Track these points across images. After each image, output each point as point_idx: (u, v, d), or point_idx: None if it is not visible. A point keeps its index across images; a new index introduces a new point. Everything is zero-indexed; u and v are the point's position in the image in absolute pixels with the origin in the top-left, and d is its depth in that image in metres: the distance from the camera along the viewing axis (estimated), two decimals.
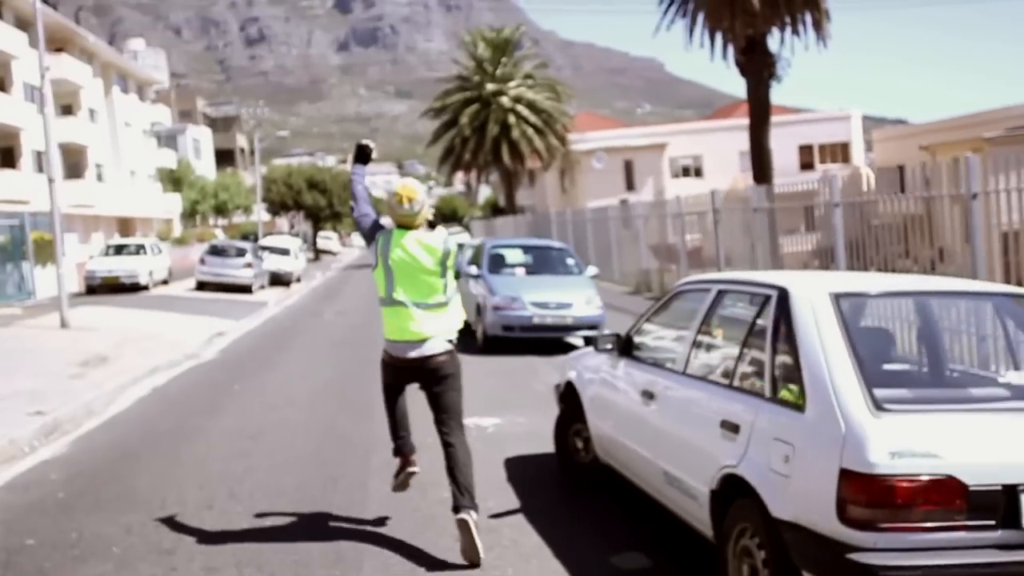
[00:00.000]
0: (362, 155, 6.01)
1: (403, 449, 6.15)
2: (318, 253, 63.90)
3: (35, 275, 26.54)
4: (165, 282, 31.15)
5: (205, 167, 75.06)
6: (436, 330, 5.58)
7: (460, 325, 5.79)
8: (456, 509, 5.33)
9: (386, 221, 5.77)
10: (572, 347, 14.21)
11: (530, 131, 47.41)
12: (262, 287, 30.77)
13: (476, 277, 14.75)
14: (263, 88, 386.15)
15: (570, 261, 15.26)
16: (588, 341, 13.99)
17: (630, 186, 49.92)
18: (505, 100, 47.78)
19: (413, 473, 6.14)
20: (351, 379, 11.94)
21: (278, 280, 32.93)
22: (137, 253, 29.42)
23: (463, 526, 5.25)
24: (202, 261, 29.29)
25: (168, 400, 11.19)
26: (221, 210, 68.58)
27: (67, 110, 50.09)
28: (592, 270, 15.05)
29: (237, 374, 12.91)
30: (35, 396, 11.09)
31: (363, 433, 8.67)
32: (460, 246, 26.70)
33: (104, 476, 7.51)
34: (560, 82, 52.05)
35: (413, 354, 5.61)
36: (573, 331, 13.68)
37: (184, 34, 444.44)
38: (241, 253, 29.28)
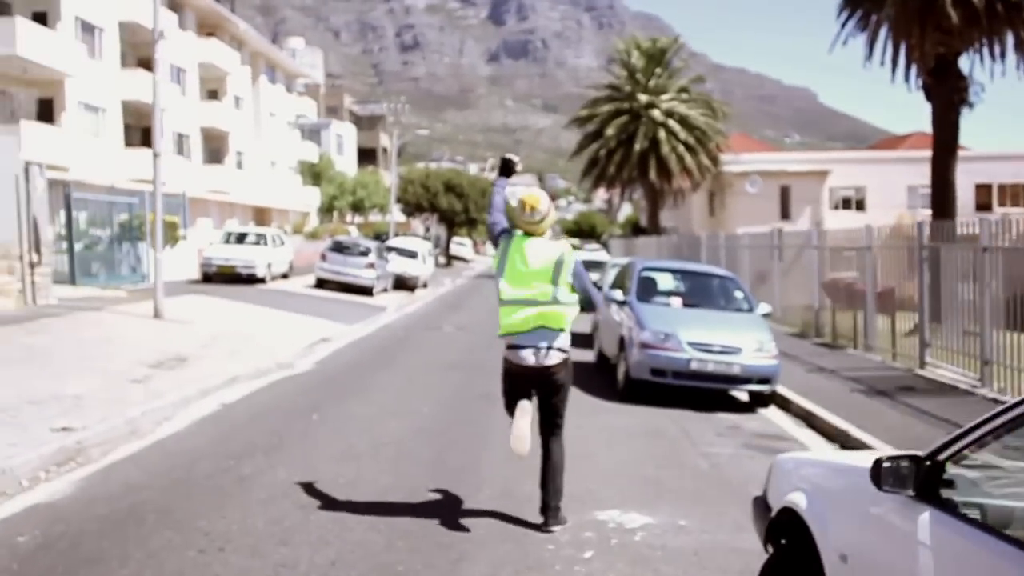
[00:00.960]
0: (506, 168, 6.44)
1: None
2: (450, 259, 62.32)
3: (150, 258, 25.20)
4: (285, 276, 29.63)
5: (346, 164, 74.75)
6: (547, 330, 5.99)
7: (569, 327, 6.13)
8: (545, 523, 5.95)
9: None
10: (731, 401, 11.43)
11: (680, 148, 44.41)
12: (384, 290, 28.90)
13: (621, 304, 12.11)
14: (413, 93, 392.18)
15: (738, 294, 12.43)
16: (755, 399, 11.23)
17: (785, 214, 46.24)
18: (656, 113, 44.95)
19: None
20: (457, 424, 9.48)
21: (403, 284, 31.04)
22: (257, 243, 27.92)
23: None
24: (323, 257, 27.58)
25: (229, 425, 8.99)
26: (358, 207, 67.87)
27: (212, 95, 49.93)
28: (764, 307, 12.14)
29: (323, 397, 10.66)
30: (77, 404, 9.09)
31: (454, 515, 6.19)
32: (599, 263, 23.81)
33: (86, 549, 5.25)
34: (716, 99, 48.79)
35: (530, 362, 6.02)
36: (739, 384, 10.88)
37: (343, 37, 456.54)
38: (365, 252, 27.44)
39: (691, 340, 10.69)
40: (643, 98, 45.17)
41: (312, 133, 70.50)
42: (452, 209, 56.88)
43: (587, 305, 6.32)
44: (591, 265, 27.80)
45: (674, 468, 7.87)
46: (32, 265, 17.10)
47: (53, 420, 8.32)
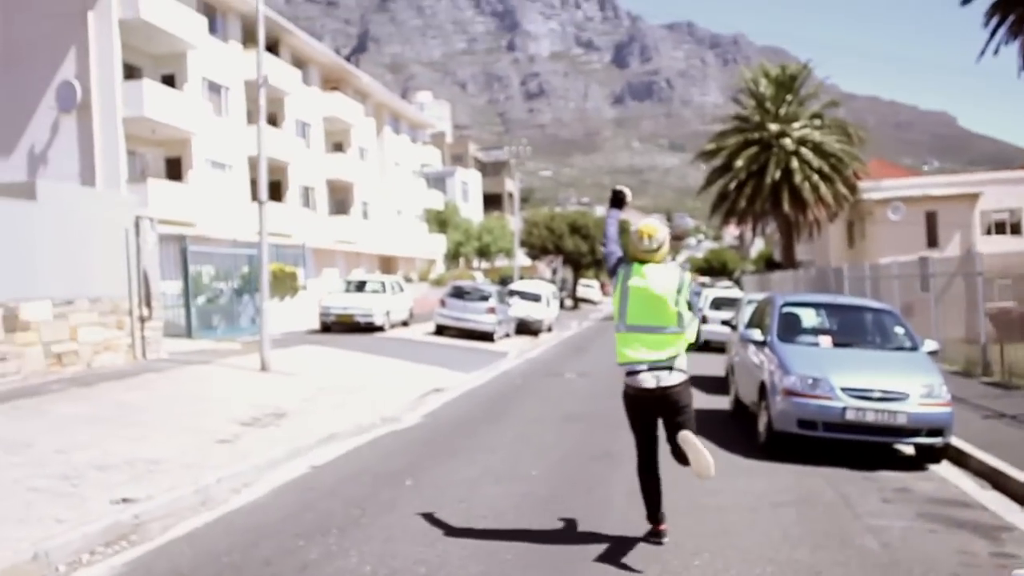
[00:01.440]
0: (617, 200, 6.65)
1: (657, 517, 6.45)
2: (577, 301, 61.09)
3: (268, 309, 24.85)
4: (405, 324, 28.96)
5: (472, 210, 74.75)
6: (666, 355, 6.06)
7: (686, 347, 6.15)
8: (672, 438, 6.30)
9: None
10: (893, 455, 9.74)
11: (815, 177, 42.10)
12: (507, 335, 27.87)
13: (760, 345, 10.59)
14: (539, 140, 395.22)
15: (898, 330, 10.60)
16: (924, 453, 9.50)
17: (932, 242, 43.26)
18: (788, 142, 42.79)
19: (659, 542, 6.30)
20: (569, 491, 8.14)
21: (526, 328, 29.97)
22: (376, 291, 27.31)
23: (686, 440, 6.05)
24: (442, 303, 26.76)
25: (314, 491, 7.93)
26: (483, 253, 67.59)
27: (337, 147, 50.39)
28: (931, 344, 10.36)
29: (423, 457, 9.53)
30: (151, 469, 8.24)
31: None
32: (732, 300, 22.27)
33: None
34: (851, 124, 46.21)
35: (650, 385, 6.13)
36: (905, 437, 9.19)
37: (469, 88, 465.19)
38: (485, 297, 26.50)
39: (846, 385, 9.09)
40: (773, 127, 43.13)
41: (437, 181, 70.79)
42: (578, 251, 55.73)
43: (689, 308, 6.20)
44: (725, 303, 26.11)
45: (835, 549, 6.33)
46: (143, 320, 16.71)
47: (117, 489, 7.46)
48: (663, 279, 6.07)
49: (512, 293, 31.50)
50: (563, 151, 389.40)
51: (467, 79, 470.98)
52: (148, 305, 16.96)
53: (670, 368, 6.09)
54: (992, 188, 45.06)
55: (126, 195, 17.46)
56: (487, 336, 25.94)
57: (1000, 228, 45.47)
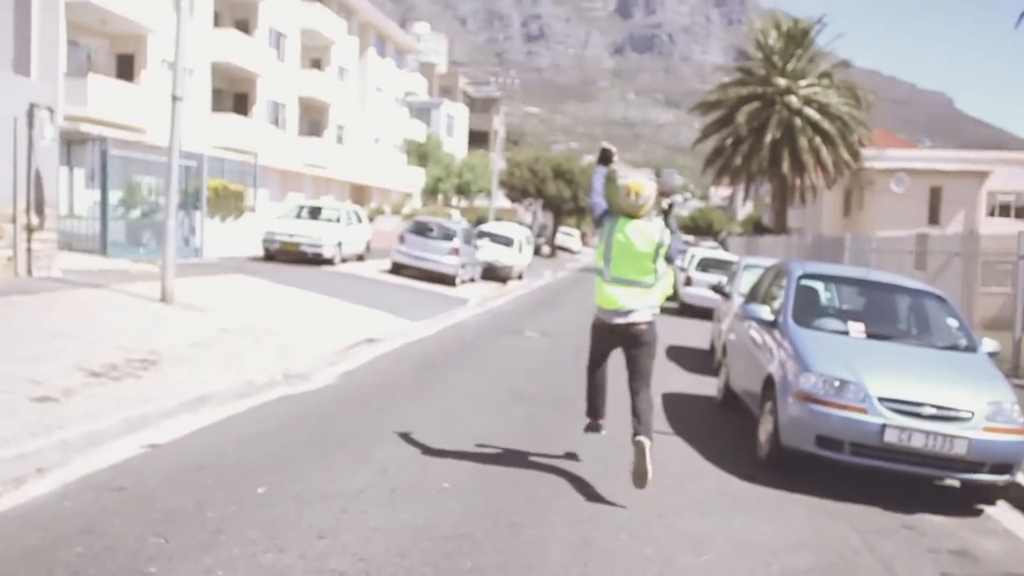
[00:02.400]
0: (604, 157, 7.05)
1: (597, 414, 6.96)
2: (555, 249, 58.49)
3: (205, 230, 22.20)
4: (360, 258, 26.29)
5: (456, 146, 71.67)
6: (641, 304, 6.41)
7: (662, 302, 6.50)
8: (635, 434, 6.27)
9: None
10: (928, 489, 7.31)
11: (818, 139, 39.57)
12: (471, 280, 25.34)
13: (769, 326, 8.12)
14: (536, 84, 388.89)
15: (951, 322, 8.08)
16: (972, 488, 7.09)
17: (933, 218, 40.92)
18: (793, 100, 40.11)
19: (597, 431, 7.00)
20: (490, 525, 5.64)
21: (494, 274, 27.43)
22: (330, 220, 24.57)
23: (638, 447, 6.16)
24: (401, 239, 24.10)
25: (121, 494, 5.44)
26: (464, 191, 64.74)
27: (315, 64, 47.28)
28: (990, 344, 7.88)
29: (303, 445, 7.02)
30: None
31: None
32: (724, 263, 19.89)
33: None
34: (861, 87, 43.44)
35: (619, 320, 6.46)
36: (960, 471, 6.75)
37: (469, 24, 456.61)
38: (449, 236, 23.88)
39: (886, 394, 6.64)
40: (781, 82, 40.38)
41: (421, 112, 67.60)
42: (560, 196, 52.97)
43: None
44: (713, 265, 23.61)
45: None
46: (30, 229, 14.04)
47: None
48: (646, 235, 6.38)
49: (482, 235, 28.91)
50: (558, 97, 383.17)
51: (468, 15, 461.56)
52: (39, 213, 14.28)
53: (640, 308, 6.43)
54: (1001, 169, 42.64)
55: (17, 78, 14.61)
56: (448, 279, 23.40)
57: (1005, 211, 43.18)
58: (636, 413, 6.38)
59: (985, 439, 6.53)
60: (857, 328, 7.67)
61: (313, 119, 47.21)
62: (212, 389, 8.42)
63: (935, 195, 41.70)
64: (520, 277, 29.57)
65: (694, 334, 18.09)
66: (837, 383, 6.75)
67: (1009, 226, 40.20)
